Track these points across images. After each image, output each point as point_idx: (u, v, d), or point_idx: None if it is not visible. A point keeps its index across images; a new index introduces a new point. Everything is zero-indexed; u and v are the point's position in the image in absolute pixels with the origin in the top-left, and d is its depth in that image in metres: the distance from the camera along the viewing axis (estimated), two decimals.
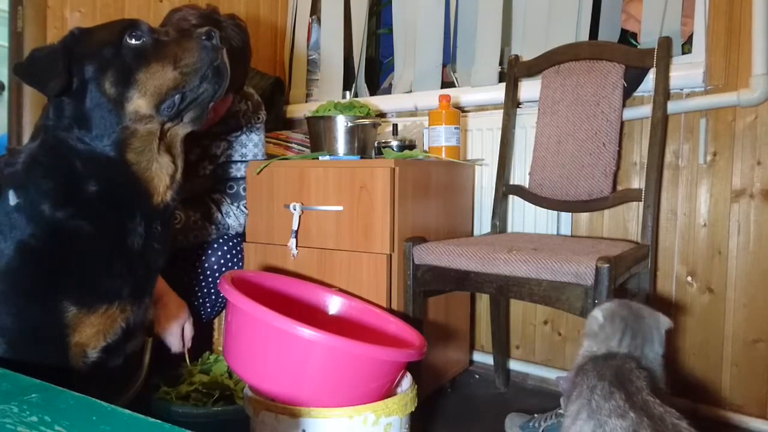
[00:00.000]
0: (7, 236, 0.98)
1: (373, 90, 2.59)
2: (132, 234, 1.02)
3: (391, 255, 1.52)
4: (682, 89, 1.69)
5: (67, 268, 0.99)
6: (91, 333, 1.00)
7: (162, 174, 1.04)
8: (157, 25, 1.32)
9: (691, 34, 1.72)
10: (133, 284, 1.04)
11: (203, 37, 0.98)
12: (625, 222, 1.80)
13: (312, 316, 1.45)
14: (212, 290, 1.63)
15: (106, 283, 1.01)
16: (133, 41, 0.99)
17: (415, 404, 1.20)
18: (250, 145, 1.74)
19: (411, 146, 1.84)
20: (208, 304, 1.64)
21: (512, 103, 1.91)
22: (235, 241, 1.70)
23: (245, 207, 1.72)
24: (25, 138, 1.90)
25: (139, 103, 0.98)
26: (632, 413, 0.89)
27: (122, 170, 1.00)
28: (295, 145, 2.21)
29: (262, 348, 1.15)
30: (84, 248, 0.99)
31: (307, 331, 1.07)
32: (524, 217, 1.94)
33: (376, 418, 1.10)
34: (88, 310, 0.99)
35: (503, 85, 1.94)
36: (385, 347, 1.17)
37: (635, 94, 1.74)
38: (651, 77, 1.66)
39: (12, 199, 0.99)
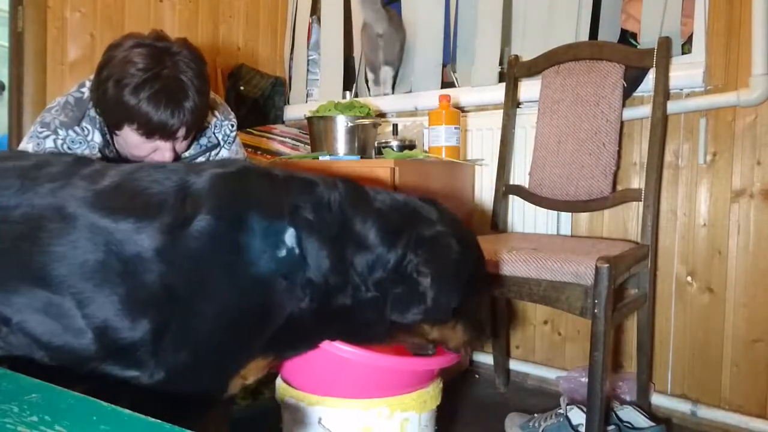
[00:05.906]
0: (258, 266, 0.89)
1: None
2: None
3: None
4: (682, 89, 1.69)
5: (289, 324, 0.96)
6: (250, 374, 1.04)
7: None
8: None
9: (691, 34, 1.72)
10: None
11: None
12: (625, 222, 1.80)
13: None
14: None
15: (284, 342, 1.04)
16: None
17: (438, 402, 1.21)
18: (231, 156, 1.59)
19: (411, 146, 1.84)
20: None
21: (512, 103, 1.91)
22: None
23: None
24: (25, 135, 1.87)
25: None
26: None
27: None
28: (289, 140, 2.21)
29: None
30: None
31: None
32: (524, 217, 1.94)
33: (391, 412, 1.12)
34: (261, 357, 1.01)
35: (503, 85, 1.94)
36: (417, 359, 1.14)
37: (635, 94, 1.74)
38: (651, 77, 1.66)
39: (289, 240, 0.91)
